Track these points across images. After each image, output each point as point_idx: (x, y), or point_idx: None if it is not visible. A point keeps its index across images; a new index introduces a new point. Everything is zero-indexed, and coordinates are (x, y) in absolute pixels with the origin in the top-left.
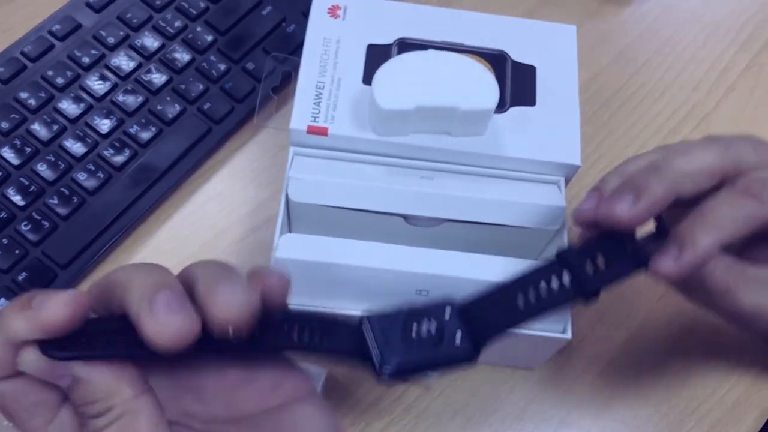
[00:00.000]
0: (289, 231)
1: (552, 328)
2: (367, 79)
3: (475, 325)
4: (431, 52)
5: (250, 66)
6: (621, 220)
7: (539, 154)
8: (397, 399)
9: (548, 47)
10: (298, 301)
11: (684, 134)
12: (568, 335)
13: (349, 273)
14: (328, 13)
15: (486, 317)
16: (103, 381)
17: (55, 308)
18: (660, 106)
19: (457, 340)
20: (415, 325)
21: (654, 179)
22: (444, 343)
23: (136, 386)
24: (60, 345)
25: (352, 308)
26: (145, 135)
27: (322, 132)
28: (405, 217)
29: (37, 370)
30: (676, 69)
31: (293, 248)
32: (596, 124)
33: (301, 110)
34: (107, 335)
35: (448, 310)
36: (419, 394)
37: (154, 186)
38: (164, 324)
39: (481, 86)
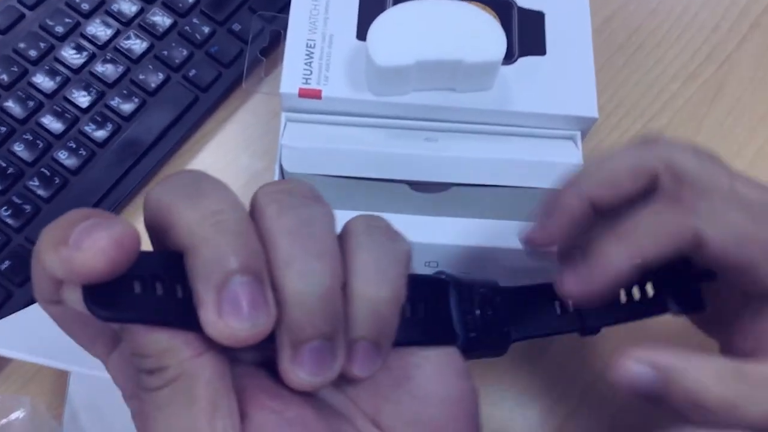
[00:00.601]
0: None
1: None
2: (362, 34)
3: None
4: (430, 0)
5: (236, 27)
6: (534, 243)
7: (552, 108)
8: None
9: None
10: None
11: (705, 77)
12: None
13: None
14: None
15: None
16: (155, 338)
17: (95, 251)
18: (678, 49)
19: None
20: (477, 301)
21: (566, 189)
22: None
23: (195, 345)
24: (105, 295)
25: None
26: (128, 107)
27: (316, 95)
28: (409, 184)
29: (83, 310)
30: (694, 7)
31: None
32: (611, 71)
33: (291, 72)
34: (165, 285)
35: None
36: None
37: (141, 161)
38: (234, 328)
39: (486, 36)
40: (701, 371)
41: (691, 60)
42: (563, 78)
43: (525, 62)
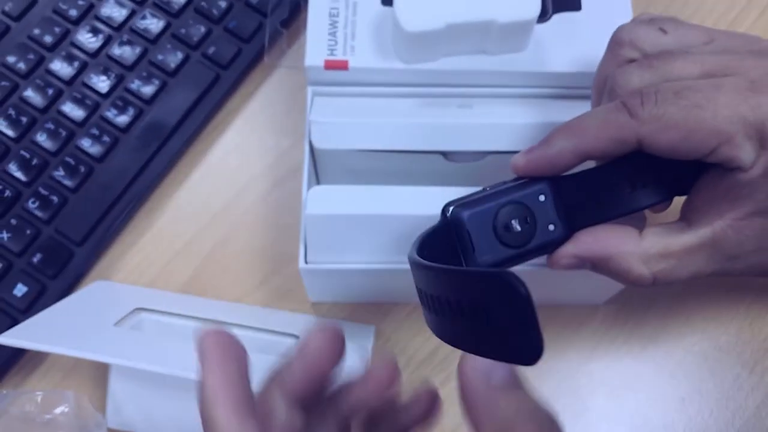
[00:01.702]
0: (317, 182)
1: None
2: None
3: (573, 210)
4: None
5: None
6: (516, 170)
7: (590, 66)
8: (452, 352)
9: None
10: (335, 258)
11: (748, 24)
12: None
13: (388, 223)
14: None
15: (586, 203)
16: None
17: None
18: None
19: (551, 229)
20: (507, 216)
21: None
22: (537, 235)
23: None
24: None
25: (394, 261)
26: (148, 90)
27: (342, 66)
28: (444, 154)
29: None
30: None
31: (324, 202)
32: None
33: (315, 44)
34: None
35: (541, 196)
36: None
37: (166, 145)
38: None
39: None
40: (628, 257)
41: (732, 5)
42: (601, 34)
43: (560, 19)
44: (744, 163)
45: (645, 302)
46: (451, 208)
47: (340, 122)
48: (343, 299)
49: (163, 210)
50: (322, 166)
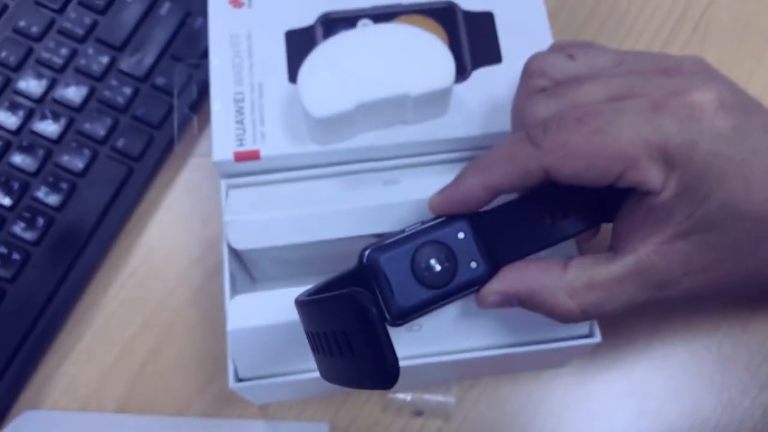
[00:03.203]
0: (249, 273)
1: (577, 333)
2: (294, 75)
3: (494, 245)
4: (361, 29)
5: (160, 81)
6: (432, 210)
7: None
8: None
9: None
10: (269, 368)
11: (683, 41)
12: (597, 338)
13: None
14: (230, 2)
15: (507, 237)
16: None
17: None
18: (648, 14)
19: (473, 266)
20: (426, 256)
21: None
22: (458, 274)
23: None
24: None
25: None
26: (56, 197)
27: (254, 156)
28: (377, 235)
29: None
30: None
31: (247, 314)
32: None
33: (222, 135)
34: None
35: (460, 234)
36: (440, 425)
37: (84, 252)
38: None
39: (431, 60)
40: (553, 291)
41: (663, 25)
42: None
43: (480, 75)
44: (654, 187)
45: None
46: (366, 253)
47: (258, 219)
48: (292, 397)
49: (89, 323)
50: (249, 262)
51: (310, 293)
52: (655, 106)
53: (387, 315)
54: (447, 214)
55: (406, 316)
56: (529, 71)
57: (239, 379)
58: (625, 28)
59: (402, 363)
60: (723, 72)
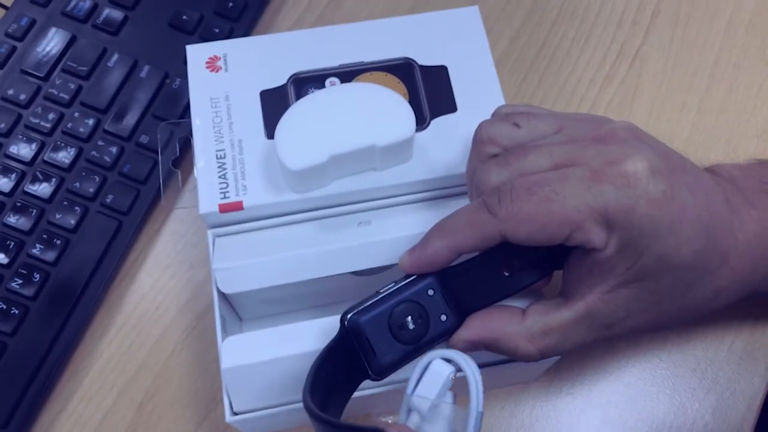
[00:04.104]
0: (237, 315)
1: None
2: (270, 131)
3: (460, 298)
4: (329, 88)
5: (144, 140)
6: (403, 269)
7: None
8: None
9: (453, 37)
10: (263, 402)
11: (621, 77)
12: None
13: (308, 360)
14: (207, 67)
15: (471, 290)
16: None
17: None
18: (589, 52)
19: (443, 319)
20: (401, 315)
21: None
22: (431, 328)
23: None
24: None
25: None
26: (51, 253)
27: (237, 207)
28: (354, 273)
29: None
30: (595, 7)
31: (240, 353)
32: (528, 91)
33: (207, 189)
34: None
35: (430, 290)
36: None
37: (79, 303)
38: None
39: (394, 114)
40: (514, 337)
41: (603, 62)
42: None
43: (438, 123)
44: (598, 245)
45: (574, 355)
46: (348, 317)
47: (244, 264)
48: (285, 428)
49: (87, 369)
50: (237, 303)
51: (318, 377)
52: (594, 174)
53: (369, 371)
54: (417, 273)
55: (387, 371)
56: (479, 139)
57: (234, 413)
58: (570, 65)
59: (379, 389)
60: (658, 102)
